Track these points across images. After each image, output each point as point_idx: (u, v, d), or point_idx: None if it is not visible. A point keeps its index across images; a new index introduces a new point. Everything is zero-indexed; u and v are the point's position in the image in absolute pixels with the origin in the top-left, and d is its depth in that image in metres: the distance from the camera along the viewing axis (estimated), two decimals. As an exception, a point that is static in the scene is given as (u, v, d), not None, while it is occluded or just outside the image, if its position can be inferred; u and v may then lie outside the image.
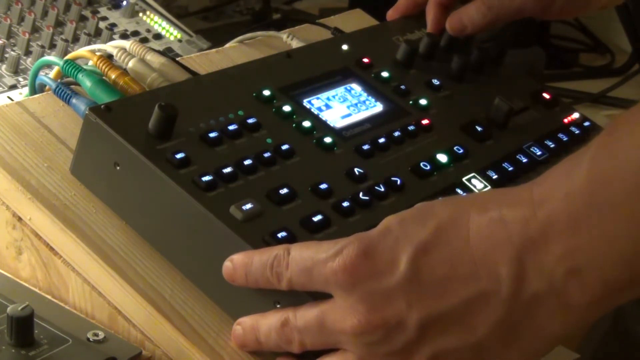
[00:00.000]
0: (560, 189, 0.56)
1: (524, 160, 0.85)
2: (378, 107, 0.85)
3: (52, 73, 0.85)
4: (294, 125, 0.78)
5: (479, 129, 0.86)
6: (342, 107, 0.82)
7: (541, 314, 0.57)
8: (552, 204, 0.56)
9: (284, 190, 0.70)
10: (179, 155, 0.69)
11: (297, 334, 0.62)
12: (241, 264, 0.64)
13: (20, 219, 0.72)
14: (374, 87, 0.87)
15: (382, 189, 0.74)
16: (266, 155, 0.73)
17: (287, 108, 0.79)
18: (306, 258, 0.62)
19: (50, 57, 0.86)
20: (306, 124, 0.78)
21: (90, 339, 0.67)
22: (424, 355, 0.59)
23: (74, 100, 0.77)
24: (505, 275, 0.56)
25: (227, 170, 0.70)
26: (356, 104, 0.84)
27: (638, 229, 0.53)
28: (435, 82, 0.90)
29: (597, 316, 0.57)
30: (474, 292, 0.57)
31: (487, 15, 0.93)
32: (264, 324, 0.64)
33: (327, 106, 0.82)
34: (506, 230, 0.57)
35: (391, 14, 1.00)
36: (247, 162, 0.71)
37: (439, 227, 0.59)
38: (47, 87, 0.82)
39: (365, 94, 0.85)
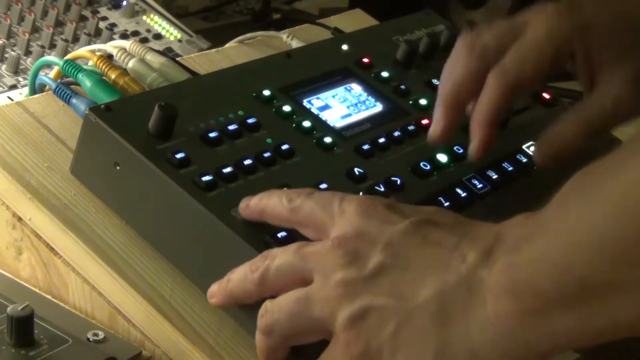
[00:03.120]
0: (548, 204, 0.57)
1: (524, 160, 0.85)
2: (378, 107, 0.85)
3: (52, 73, 0.85)
4: (294, 125, 0.78)
5: (479, 129, 0.85)
6: (342, 107, 0.82)
7: (474, 305, 0.56)
8: (538, 214, 0.56)
9: (284, 190, 0.70)
10: (179, 155, 0.69)
11: (269, 259, 0.62)
12: (261, 197, 0.66)
13: (20, 219, 0.72)
14: (374, 87, 0.87)
15: (382, 189, 0.74)
16: (266, 155, 0.73)
17: (287, 108, 0.79)
18: (335, 193, 0.63)
19: (50, 57, 0.86)
20: (306, 124, 0.78)
21: (90, 339, 0.67)
22: (360, 303, 0.58)
23: (74, 100, 0.77)
24: (471, 257, 0.57)
25: (227, 170, 0.70)
26: (356, 104, 0.84)
27: (574, 240, 0.53)
28: (435, 82, 0.90)
29: (522, 342, 0.55)
30: (441, 263, 0.58)
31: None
32: (245, 264, 0.64)
33: (327, 106, 0.82)
34: (500, 228, 0.58)
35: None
36: (247, 162, 0.71)
37: (461, 220, 0.61)
38: (47, 87, 0.82)
39: (365, 94, 0.85)
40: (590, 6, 0.73)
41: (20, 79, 1.05)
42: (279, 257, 0.62)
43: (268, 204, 0.65)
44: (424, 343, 0.57)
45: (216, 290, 0.65)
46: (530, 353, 0.55)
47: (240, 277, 0.63)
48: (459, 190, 0.78)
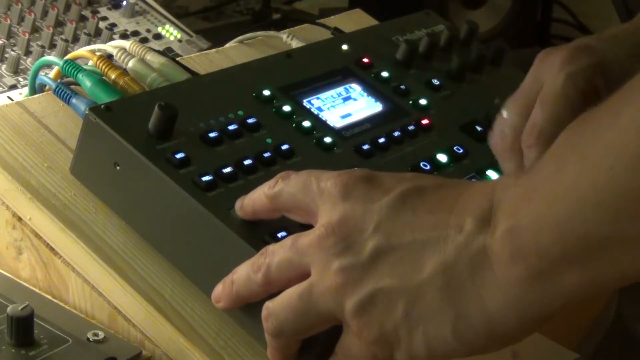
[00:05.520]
0: (539, 159, 0.56)
1: (524, 160, 0.85)
2: (378, 107, 0.85)
3: (52, 73, 0.85)
4: (294, 125, 0.78)
5: (479, 129, 0.86)
6: (342, 107, 0.82)
7: (482, 273, 0.56)
8: (530, 170, 0.56)
9: (284, 190, 0.70)
10: (179, 155, 0.69)
11: (269, 257, 0.62)
12: (247, 197, 0.66)
13: (20, 219, 0.72)
14: (374, 87, 0.87)
15: (382, 189, 0.74)
16: (266, 155, 0.73)
17: (287, 108, 0.79)
18: (311, 173, 0.63)
19: (50, 57, 0.86)
20: (306, 124, 0.78)
21: (90, 339, 0.67)
22: (365, 289, 0.58)
23: (74, 100, 0.77)
24: (469, 224, 0.57)
25: (227, 170, 0.70)
26: (356, 104, 0.84)
27: (575, 194, 0.52)
28: (435, 82, 0.90)
29: (534, 304, 0.55)
30: (437, 234, 0.57)
31: None
32: (243, 264, 0.64)
33: (327, 106, 0.82)
34: (493, 190, 0.57)
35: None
36: (247, 162, 0.71)
37: (445, 183, 0.61)
38: (47, 87, 0.82)
39: (365, 94, 0.85)
40: (600, 44, 0.72)
41: (20, 79, 1.05)
42: (277, 254, 0.62)
43: (254, 198, 0.65)
44: (439, 316, 0.57)
45: (221, 294, 0.65)
46: (544, 310, 0.56)
47: (244, 278, 0.63)
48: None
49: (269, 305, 0.62)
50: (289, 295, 0.61)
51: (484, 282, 0.56)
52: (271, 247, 0.62)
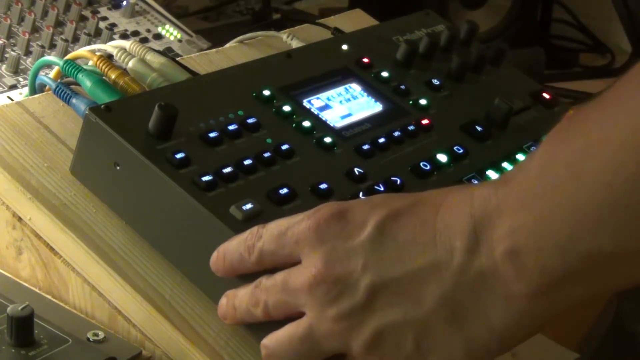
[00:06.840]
0: (520, 169, 0.57)
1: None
2: (378, 107, 0.85)
3: (52, 73, 0.85)
4: (294, 125, 0.78)
5: (479, 129, 0.86)
6: (342, 107, 0.82)
7: (485, 295, 0.56)
8: (512, 182, 0.56)
9: (284, 190, 0.70)
10: (179, 155, 0.69)
11: (264, 294, 0.62)
12: (222, 247, 0.64)
13: (20, 219, 0.72)
14: (374, 87, 0.87)
15: (382, 189, 0.74)
16: (266, 155, 0.73)
17: (287, 108, 0.79)
18: (281, 224, 0.62)
19: (50, 57, 0.86)
20: (306, 124, 0.78)
21: (90, 339, 0.67)
22: (369, 328, 0.58)
23: (74, 100, 0.77)
24: (459, 248, 0.56)
25: (227, 170, 0.70)
26: (356, 104, 0.84)
27: (575, 213, 0.52)
28: (435, 82, 0.90)
29: (540, 315, 0.56)
30: (428, 262, 0.57)
31: None
32: (242, 289, 0.64)
33: (327, 106, 0.82)
34: (471, 205, 0.57)
35: None
36: (247, 162, 0.71)
37: (417, 201, 0.60)
38: (47, 87, 0.82)
39: (365, 94, 0.85)
40: None
41: (20, 79, 1.05)
42: (271, 294, 0.62)
43: (234, 264, 0.64)
44: (450, 343, 0.57)
45: (226, 314, 0.65)
46: (550, 316, 0.56)
47: (244, 309, 0.63)
48: (459, 190, 0.78)
49: (268, 345, 0.62)
50: (289, 337, 0.61)
51: (488, 303, 0.56)
52: (264, 282, 0.62)
